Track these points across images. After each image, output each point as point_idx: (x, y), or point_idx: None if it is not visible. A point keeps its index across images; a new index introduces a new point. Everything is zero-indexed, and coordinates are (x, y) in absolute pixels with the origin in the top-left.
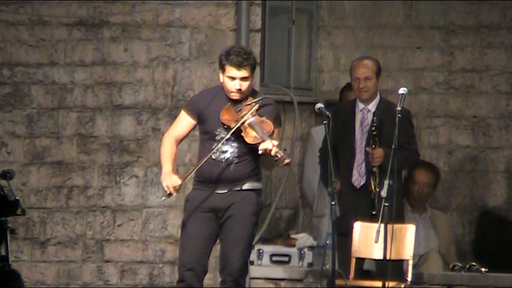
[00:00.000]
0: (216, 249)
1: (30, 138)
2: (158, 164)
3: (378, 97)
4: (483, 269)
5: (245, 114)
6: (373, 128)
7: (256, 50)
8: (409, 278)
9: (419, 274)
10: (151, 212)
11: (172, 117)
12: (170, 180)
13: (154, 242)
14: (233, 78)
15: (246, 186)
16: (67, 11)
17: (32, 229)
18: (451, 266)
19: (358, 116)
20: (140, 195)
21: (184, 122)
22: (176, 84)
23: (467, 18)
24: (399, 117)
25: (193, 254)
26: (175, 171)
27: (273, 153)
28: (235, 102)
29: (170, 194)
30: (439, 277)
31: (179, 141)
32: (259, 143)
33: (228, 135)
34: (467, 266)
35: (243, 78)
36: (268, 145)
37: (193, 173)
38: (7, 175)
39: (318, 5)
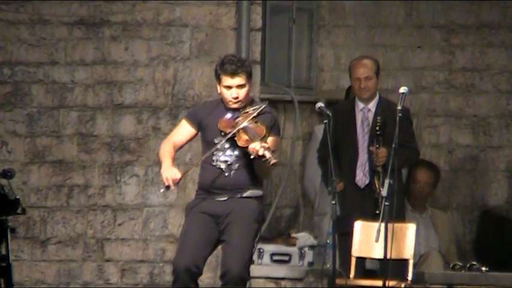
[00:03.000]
0: (218, 249)
1: (30, 137)
2: (158, 163)
3: (377, 96)
4: (483, 268)
5: (241, 121)
6: (377, 128)
7: (257, 49)
8: (410, 278)
9: (419, 273)
10: (151, 211)
11: (173, 116)
12: (170, 172)
13: (155, 241)
14: (229, 87)
15: (246, 193)
16: (67, 10)
17: (33, 228)
18: (451, 265)
19: (359, 116)
20: (141, 194)
21: (184, 130)
22: (177, 84)
23: (468, 18)
24: (400, 116)
25: (189, 255)
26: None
27: (260, 153)
28: (235, 111)
29: (168, 187)
30: (439, 276)
31: (177, 148)
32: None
33: (224, 140)
34: (468, 265)
35: (239, 86)
36: (256, 145)
37: (191, 168)
38: (7, 174)
39: (318, 4)
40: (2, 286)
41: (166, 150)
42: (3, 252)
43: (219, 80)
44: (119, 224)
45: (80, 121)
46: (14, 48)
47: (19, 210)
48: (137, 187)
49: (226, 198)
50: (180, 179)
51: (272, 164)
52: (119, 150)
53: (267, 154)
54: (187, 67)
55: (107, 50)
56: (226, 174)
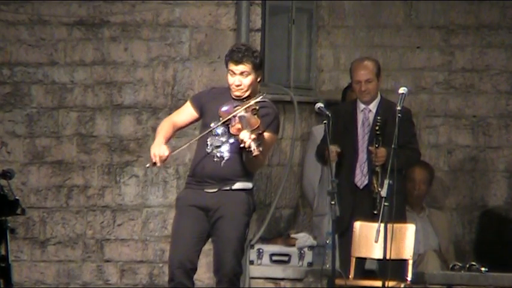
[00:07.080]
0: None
1: (30, 138)
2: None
3: (379, 97)
4: (483, 269)
5: (238, 109)
6: (377, 128)
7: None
8: (409, 278)
9: (419, 274)
10: (151, 212)
11: None
12: (159, 149)
13: (154, 242)
14: (233, 73)
15: (236, 186)
16: (67, 11)
17: (32, 229)
18: (451, 266)
19: (360, 116)
20: (140, 194)
21: (186, 111)
22: (176, 84)
23: (467, 18)
24: (399, 116)
25: (183, 252)
26: (175, 169)
27: (247, 143)
28: (239, 100)
29: (155, 164)
30: (439, 277)
31: (177, 128)
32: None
33: (219, 124)
34: (467, 266)
35: (243, 74)
36: (245, 136)
37: (182, 148)
38: (7, 175)
39: (317, 5)
40: (2, 286)
41: (163, 128)
42: (3, 252)
43: (226, 66)
44: (119, 225)
45: (80, 121)
46: (13, 49)
47: (18, 211)
48: (137, 188)
49: (215, 190)
50: (167, 156)
51: (254, 156)
52: (119, 150)
53: (252, 145)
54: (186, 68)
55: (106, 50)
56: (218, 162)
